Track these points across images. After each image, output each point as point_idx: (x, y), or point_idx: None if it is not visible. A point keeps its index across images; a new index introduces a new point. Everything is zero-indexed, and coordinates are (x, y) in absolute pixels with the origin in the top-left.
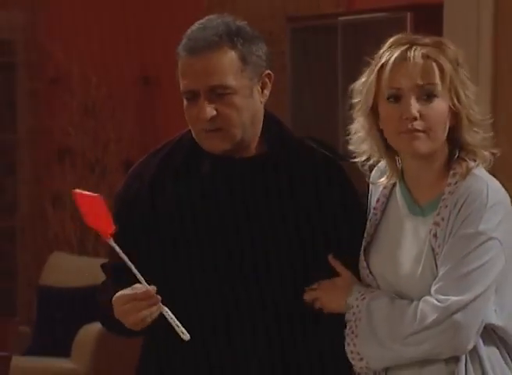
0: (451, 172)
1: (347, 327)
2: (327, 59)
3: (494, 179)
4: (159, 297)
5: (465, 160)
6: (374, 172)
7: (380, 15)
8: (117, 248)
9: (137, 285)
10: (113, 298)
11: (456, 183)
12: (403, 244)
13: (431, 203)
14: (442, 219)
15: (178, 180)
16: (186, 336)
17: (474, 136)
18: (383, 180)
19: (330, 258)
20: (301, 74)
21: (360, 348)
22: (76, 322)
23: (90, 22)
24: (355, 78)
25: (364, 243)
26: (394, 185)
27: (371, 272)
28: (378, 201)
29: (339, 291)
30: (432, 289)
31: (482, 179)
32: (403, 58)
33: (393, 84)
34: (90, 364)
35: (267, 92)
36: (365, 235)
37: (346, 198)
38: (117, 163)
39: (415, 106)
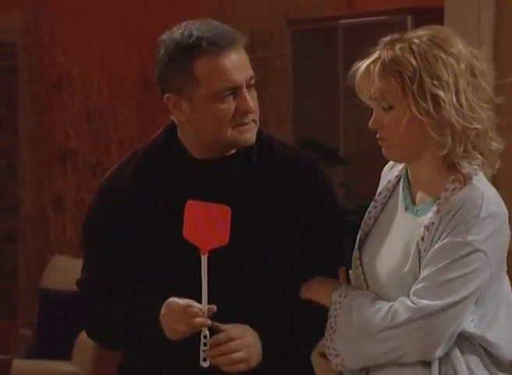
0: (451, 177)
1: (328, 323)
2: (328, 62)
3: (492, 189)
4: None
5: (466, 165)
6: (386, 167)
7: (381, 18)
8: (205, 266)
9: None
10: (169, 300)
11: (453, 189)
12: (395, 241)
13: (426, 204)
14: (433, 223)
15: (163, 183)
16: (206, 363)
17: (466, 145)
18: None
19: (340, 270)
20: (302, 77)
21: (336, 344)
22: (77, 325)
23: (90, 25)
24: None
25: (359, 235)
26: (399, 180)
27: (362, 267)
28: (380, 193)
29: (330, 284)
30: (411, 291)
31: (479, 189)
32: (367, 71)
33: (359, 95)
34: (91, 367)
35: None
36: (362, 227)
37: (321, 198)
38: None
39: (375, 116)
